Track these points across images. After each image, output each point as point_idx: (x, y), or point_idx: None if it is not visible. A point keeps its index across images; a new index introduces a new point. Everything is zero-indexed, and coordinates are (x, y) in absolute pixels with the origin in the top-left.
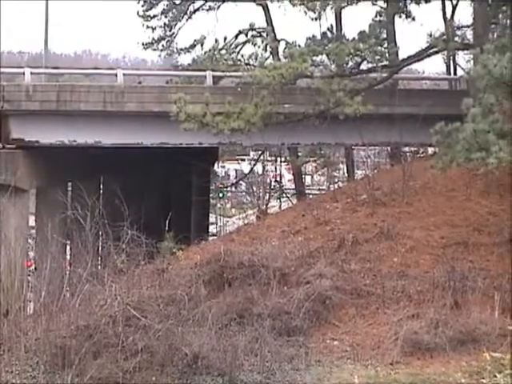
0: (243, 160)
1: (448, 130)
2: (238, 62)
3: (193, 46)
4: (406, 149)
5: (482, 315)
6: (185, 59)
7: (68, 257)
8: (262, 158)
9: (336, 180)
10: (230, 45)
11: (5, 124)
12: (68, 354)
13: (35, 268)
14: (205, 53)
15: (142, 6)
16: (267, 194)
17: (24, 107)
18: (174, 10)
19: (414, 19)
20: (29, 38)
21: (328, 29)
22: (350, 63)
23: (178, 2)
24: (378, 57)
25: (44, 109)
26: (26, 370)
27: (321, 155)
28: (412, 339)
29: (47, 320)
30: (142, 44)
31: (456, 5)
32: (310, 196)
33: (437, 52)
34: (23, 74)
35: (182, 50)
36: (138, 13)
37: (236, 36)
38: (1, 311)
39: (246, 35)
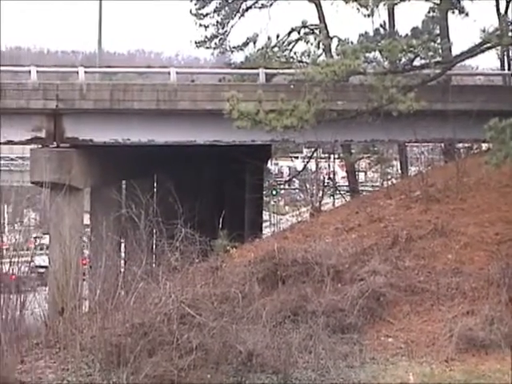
0: (296, 157)
1: (502, 125)
2: (291, 60)
3: (245, 44)
4: (460, 145)
5: None
6: (237, 57)
7: (122, 255)
8: (315, 155)
9: (389, 177)
10: (283, 42)
11: (59, 123)
12: (123, 351)
13: (90, 266)
14: (257, 50)
15: (195, 4)
16: (320, 192)
17: (78, 106)
18: (226, 8)
19: (467, 15)
20: (83, 38)
21: (381, 25)
22: (403, 60)
23: (230, 0)
24: (431, 53)
25: (98, 108)
26: (82, 368)
27: (374, 152)
28: (467, 336)
29: (102, 318)
30: (195, 42)
31: (510, 0)
32: (364, 193)
33: (490, 47)
34: (77, 73)
35: (234, 47)
36: (190, 11)
37: (289, 33)
38: (56, 309)
39: (299, 32)
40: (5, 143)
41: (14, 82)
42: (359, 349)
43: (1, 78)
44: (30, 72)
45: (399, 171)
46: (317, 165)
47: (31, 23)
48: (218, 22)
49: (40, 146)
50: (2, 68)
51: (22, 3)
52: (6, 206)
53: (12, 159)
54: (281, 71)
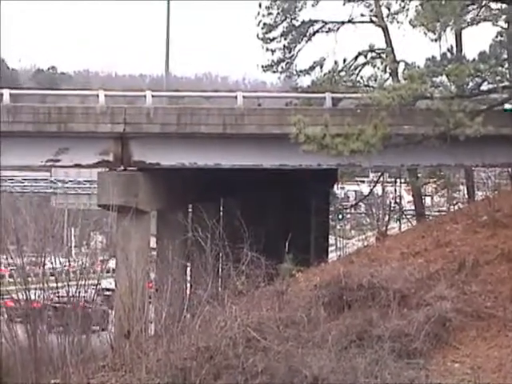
0: (362, 181)
1: None
2: (358, 84)
3: (312, 68)
4: None
5: None
6: (304, 81)
7: (188, 278)
8: (381, 179)
9: (456, 201)
10: (350, 66)
11: (126, 147)
12: (189, 375)
13: (156, 289)
14: (324, 74)
15: (262, 28)
16: (387, 216)
17: (145, 130)
18: (293, 33)
19: None
20: (150, 61)
21: (448, 49)
22: (471, 84)
23: (297, 25)
24: (498, 77)
25: (165, 131)
26: None
27: (440, 176)
28: None
29: (168, 341)
30: (262, 66)
31: None
32: (430, 217)
33: None
34: (144, 96)
35: (301, 71)
36: (257, 35)
37: (355, 57)
38: (122, 332)
39: (366, 56)
40: (73, 166)
41: (82, 105)
42: (425, 374)
43: (70, 101)
44: (98, 96)
45: (466, 196)
46: (383, 189)
47: (99, 47)
48: (284, 46)
49: (107, 169)
50: (71, 92)
51: (91, 27)
52: (73, 229)
53: (79, 182)
54: (347, 95)
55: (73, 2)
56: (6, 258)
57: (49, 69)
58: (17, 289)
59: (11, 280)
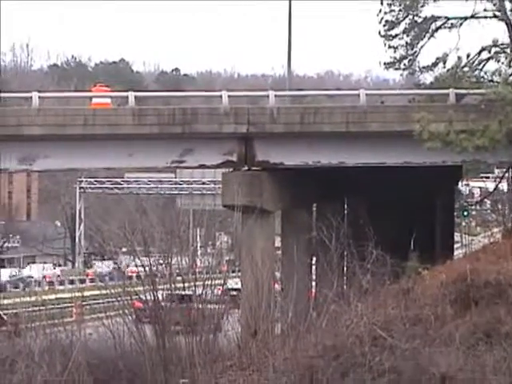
0: (487, 178)
1: None
2: (481, 79)
3: (435, 64)
4: None
5: None
6: (427, 78)
7: (313, 277)
8: (507, 175)
9: None
10: (473, 62)
11: (250, 147)
12: (315, 373)
13: (282, 288)
14: (447, 70)
15: (384, 25)
16: None
17: (268, 130)
18: (415, 29)
19: None
20: (272, 61)
21: None
22: None
23: (419, 21)
24: None
25: (288, 131)
26: None
27: None
28: None
29: (294, 340)
30: (384, 63)
31: None
32: None
33: None
34: (267, 96)
35: (424, 68)
36: (379, 33)
37: (479, 53)
38: (249, 331)
39: (489, 52)
40: (197, 167)
41: (206, 106)
42: None
43: (194, 103)
44: (221, 97)
45: None
46: (509, 185)
47: (222, 48)
48: (407, 43)
49: (231, 169)
50: (194, 93)
51: (213, 29)
52: (198, 230)
53: (204, 183)
54: (471, 91)
55: (196, 2)
56: (134, 259)
57: (172, 71)
58: (145, 289)
59: (139, 281)
